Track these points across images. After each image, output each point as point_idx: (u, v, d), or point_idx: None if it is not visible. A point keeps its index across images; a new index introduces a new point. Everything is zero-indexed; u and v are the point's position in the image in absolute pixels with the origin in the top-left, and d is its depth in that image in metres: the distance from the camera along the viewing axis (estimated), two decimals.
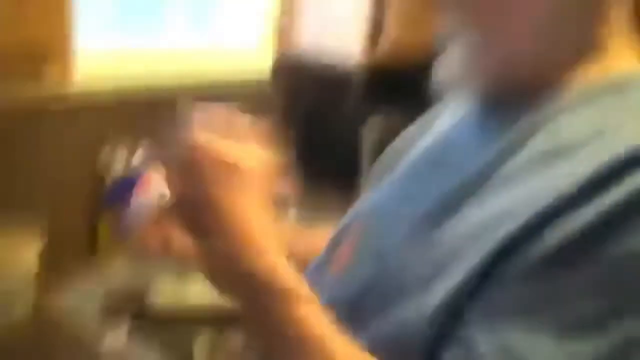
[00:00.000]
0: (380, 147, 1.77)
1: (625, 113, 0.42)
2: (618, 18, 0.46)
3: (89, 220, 1.13)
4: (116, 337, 0.89)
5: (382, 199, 0.56)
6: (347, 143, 1.65)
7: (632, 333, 0.36)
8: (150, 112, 1.21)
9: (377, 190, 0.59)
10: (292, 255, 0.65)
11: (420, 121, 0.65)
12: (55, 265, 0.97)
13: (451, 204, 0.45)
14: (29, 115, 0.97)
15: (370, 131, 1.63)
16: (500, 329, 0.38)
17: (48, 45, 0.64)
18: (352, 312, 0.47)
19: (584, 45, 0.45)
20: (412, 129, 0.65)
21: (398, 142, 0.65)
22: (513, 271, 0.38)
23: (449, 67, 0.49)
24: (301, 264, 0.63)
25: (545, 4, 0.44)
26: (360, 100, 1.98)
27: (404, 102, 1.79)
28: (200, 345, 0.97)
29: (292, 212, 1.56)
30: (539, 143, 0.43)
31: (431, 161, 0.53)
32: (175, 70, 1.25)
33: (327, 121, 1.73)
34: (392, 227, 0.50)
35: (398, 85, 1.95)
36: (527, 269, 0.38)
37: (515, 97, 0.47)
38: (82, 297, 1.02)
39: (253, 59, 1.46)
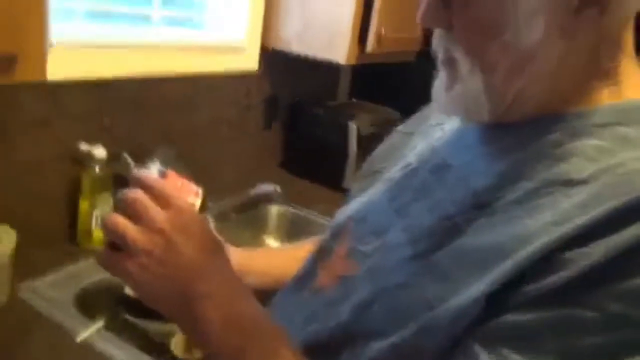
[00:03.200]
0: (367, 144, 1.77)
1: (635, 147, 0.40)
2: (627, 42, 0.44)
3: (67, 211, 1.12)
4: (92, 329, 0.88)
5: (375, 209, 0.54)
6: (334, 139, 1.65)
7: None
8: (132, 108, 1.21)
9: (367, 195, 0.57)
10: (267, 276, 0.64)
11: (411, 121, 0.64)
12: (31, 256, 0.96)
13: (454, 225, 0.44)
14: (2, 108, 0.96)
15: (358, 127, 1.62)
16: (504, 353, 0.38)
17: (19, 41, 0.63)
18: (349, 331, 0.47)
19: (595, 73, 0.43)
20: (402, 129, 0.65)
21: (387, 143, 0.65)
22: (522, 299, 0.38)
23: (443, 98, 0.47)
24: (276, 283, 0.63)
25: (556, 44, 0.42)
26: (347, 96, 1.98)
27: (392, 98, 1.80)
28: (177, 337, 0.96)
29: (278, 209, 1.56)
30: (547, 171, 0.41)
31: (428, 175, 0.51)
32: (159, 64, 1.24)
33: (315, 117, 1.73)
34: (389, 241, 0.49)
35: (386, 81, 1.95)
36: (536, 298, 0.38)
37: (521, 122, 0.45)
38: (58, 288, 1.00)
39: (240, 53, 1.45)
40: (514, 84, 0.43)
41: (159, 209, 0.44)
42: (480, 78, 0.44)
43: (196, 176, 1.38)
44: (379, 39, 1.45)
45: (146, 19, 1.27)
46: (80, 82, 1.06)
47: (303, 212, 1.52)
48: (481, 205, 0.43)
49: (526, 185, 0.42)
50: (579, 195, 0.39)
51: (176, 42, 1.28)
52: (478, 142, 0.49)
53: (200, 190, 0.51)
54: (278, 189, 1.38)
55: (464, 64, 0.44)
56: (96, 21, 1.15)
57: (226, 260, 0.46)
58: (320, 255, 0.56)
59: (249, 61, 1.49)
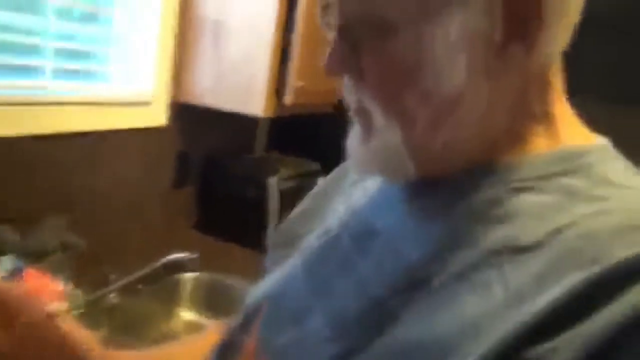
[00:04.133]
0: (289, 199, 1.66)
1: (585, 202, 0.35)
2: (557, 84, 0.40)
3: None
4: None
5: (291, 286, 0.44)
6: (253, 194, 1.54)
7: None
8: (17, 169, 1.04)
9: (283, 269, 0.47)
10: None
11: (330, 178, 0.57)
12: None
13: (387, 311, 0.36)
14: None
15: (277, 182, 1.54)
16: None
17: None
18: None
19: (527, 116, 0.38)
20: (320, 187, 0.57)
21: (304, 204, 0.56)
22: None
23: (360, 153, 0.41)
24: None
25: (481, 87, 0.36)
26: (265, 148, 1.90)
27: (311, 149, 1.74)
28: None
29: (193, 276, 1.42)
30: (489, 235, 0.35)
31: (351, 244, 0.43)
32: (51, 121, 1.09)
33: (231, 172, 1.63)
34: (308, 330, 0.39)
35: (305, 132, 1.90)
36: None
37: (452, 175, 0.39)
38: None
39: (145, 108, 1.32)
40: (438, 136, 0.37)
41: None
42: (399, 132, 0.38)
43: (97, 246, 1.22)
44: (297, 91, 1.39)
45: (36, 71, 1.12)
46: None
47: (221, 277, 1.38)
48: (417, 283, 0.36)
49: (468, 255, 0.35)
50: (532, 264, 0.32)
51: (70, 97, 1.13)
52: (405, 200, 0.42)
53: (67, 288, 0.41)
54: (192, 255, 1.24)
55: (378, 117, 0.38)
56: None
57: None
58: (225, 352, 0.45)
59: (156, 116, 1.37)
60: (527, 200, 0.36)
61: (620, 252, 0.30)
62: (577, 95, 0.43)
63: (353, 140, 0.41)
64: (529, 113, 0.38)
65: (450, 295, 0.34)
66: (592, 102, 0.62)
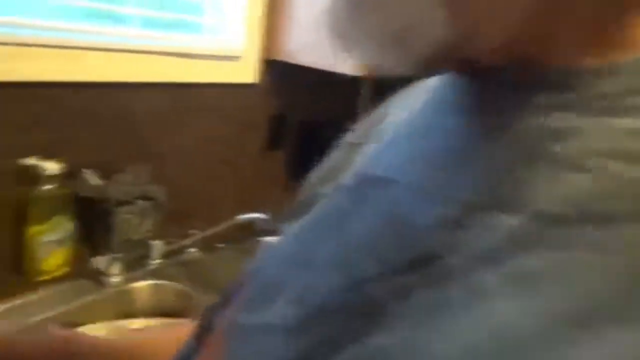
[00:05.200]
0: None
1: None
2: None
3: (11, 237, 0.96)
4: None
5: (274, 258, 0.34)
6: None
7: None
8: (100, 118, 1.05)
9: (277, 240, 0.38)
10: None
11: (361, 127, 0.45)
12: None
13: (367, 301, 0.24)
14: None
15: None
16: None
17: None
18: None
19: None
20: (350, 139, 0.45)
21: (331, 159, 0.46)
22: None
23: (350, 21, 0.27)
24: None
25: None
26: (359, 110, 1.79)
27: None
28: None
29: (272, 241, 1.37)
30: (548, 194, 0.22)
31: (347, 196, 0.31)
32: (135, 70, 1.09)
33: (329, 140, 1.54)
34: (271, 314, 0.28)
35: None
36: None
37: (484, 78, 0.26)
38: (1, 325, 0.85)
39: (238, 62, 1.28)
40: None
41: None
42: None
43: (179, 201, 1.21)
44: None
45: (126, 18, 1.13)
46: (31, 84, 0.91)
47: None
48: (425, 261, 0.23)
49: (513, 223, 0.22)
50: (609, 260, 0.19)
51: (159, 46, 1.12)
52: (434, 128, 0.29)
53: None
54: (267, 217, 1.19)
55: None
56: (55, 17, 1.01)
57: None
58: (201, 333, 0.37)
59: (247, 72, 1.33)
60: (613, 123, 0.22)
61: None
62: None
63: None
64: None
65: (478, 288, 0.21)
66: None
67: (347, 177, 0.34)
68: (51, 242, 0.97)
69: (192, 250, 1.25)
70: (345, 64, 1.27)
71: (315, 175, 0.43)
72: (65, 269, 1.02)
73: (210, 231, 1.21)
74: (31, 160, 0.91)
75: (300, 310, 0.27)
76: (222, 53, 1.24)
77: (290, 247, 0.33)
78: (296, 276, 0.29)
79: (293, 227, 0.35)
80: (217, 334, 0.35)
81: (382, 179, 0.30)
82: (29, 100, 0.93)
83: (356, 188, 0.31)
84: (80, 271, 1.05)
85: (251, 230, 1.31)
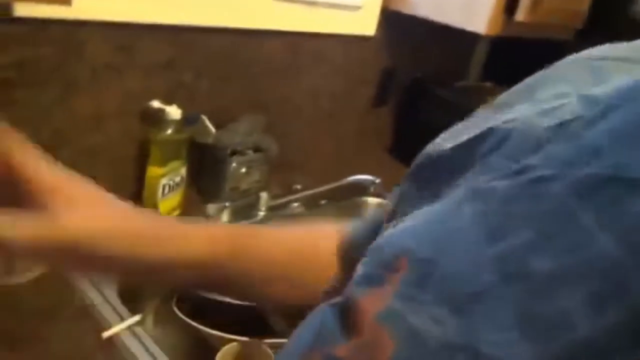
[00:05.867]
0: None
1: None
2: None
3: (132, 177, 0.98)
4: (124, 324, 0.74)
5: (455, 249, 0.26)
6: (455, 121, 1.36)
7: None
8: (218, 65, 1.03)
9: (432, 219, 0.28)
10: None
11: (510, 94, 0.37)
12: None
13: None
14: (62, 50, 0.83)
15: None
16: None
17: None
18: None
19: None
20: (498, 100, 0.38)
21: (467, 121, 0.38)
22: None
23: None
24: None
25: None
26: (480, 77, 1.66)
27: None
28: (226, 350, 0.78)
29: (376, 201, 1.33)
30: None
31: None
32: (253, 17, 1.05)
33: (438, 99, 1.46)
34: (477, 319, 0.23)
35: (530, 63, 1.60)
36: None
37: None
38: None
39: (355, 14, 1.22)
40: None
41: None
42: None
43: (286, 154, 1.19)
44: (533, 6, 1.13)
45: None
46: (158, 27, 0.90)
47: None
48: None
49: None
50: None
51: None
52: None
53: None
54: (377, 179, 1.14)
55: None
56: None
57: None
58: (342, 309, 0.29)
59: (366, 23, 1.25)
60: None
61: None
62: None
63: None
64: None
65: None
66: None
67: None
68: (167, 185, 0.98)
69: (296, 205, 1.24)
70: (465, 20, 1.17)
71: (440, 142, 0.34)
72: (178, 212, 1.04)
73: (315, 189, 1.19)
74: (155, 104, 0.92)
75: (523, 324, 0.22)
76: (342, 2, 1.17)
77: (485, 243, 0.26)
78: (512, 286, 0.23)
79: (460, 211, 0.27)
80: (366, 320, 0.27)
81: None
82: (165, 44, 0.92)
83: None
84: (192, 216, 1.07)
85: (355, 190, 1.27)
